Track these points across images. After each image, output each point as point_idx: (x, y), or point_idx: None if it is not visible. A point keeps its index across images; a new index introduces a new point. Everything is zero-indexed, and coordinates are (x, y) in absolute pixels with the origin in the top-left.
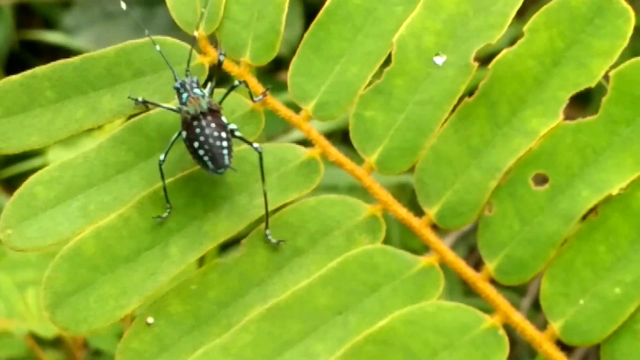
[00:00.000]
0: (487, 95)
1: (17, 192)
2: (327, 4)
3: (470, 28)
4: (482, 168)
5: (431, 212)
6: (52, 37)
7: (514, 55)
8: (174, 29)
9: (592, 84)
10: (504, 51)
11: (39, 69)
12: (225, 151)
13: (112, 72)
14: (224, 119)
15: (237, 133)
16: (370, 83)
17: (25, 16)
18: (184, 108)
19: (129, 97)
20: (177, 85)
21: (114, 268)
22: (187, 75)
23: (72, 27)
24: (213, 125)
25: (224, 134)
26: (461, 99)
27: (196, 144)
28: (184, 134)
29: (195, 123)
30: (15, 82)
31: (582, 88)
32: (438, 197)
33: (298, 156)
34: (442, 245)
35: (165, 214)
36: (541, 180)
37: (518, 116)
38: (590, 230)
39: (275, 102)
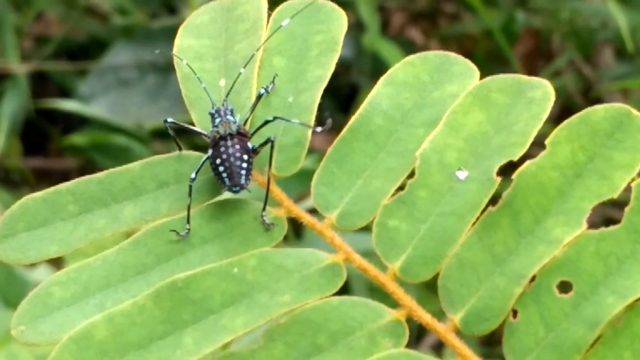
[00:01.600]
0: (510, 205)
1: (33, 292)
2: (350, 122)
3: (491, 146)
4: (506, 275)
5: (455, 318)
6: (68, 105)
7: (536, 167)
8: None
9: (615, 195)
10: (527, 162)
11: (63, 186)
12: (243, 172)
13: (136, 184)
14: (249, 144)
15: (257, 148)
16: (393, 194)
17: (41, 84)
18: (215, 129)
19: (164, 121)
20: (212, 111)
21: (124, 354)
22: (223, 104)
23: (87, 95)
24: (237, 147)
25: (245, 157)
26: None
27: (218, 161)
28: (210, 151)
29: (221, 143)
30: (37, 198)
31: (604, 199)
32: (462, 303)
33: (321, 260)
34: (467, 351)
35: (183, 233)
36: (566, 287)
37: (541, 225)
38: (615, 336)
39: (298, 210)
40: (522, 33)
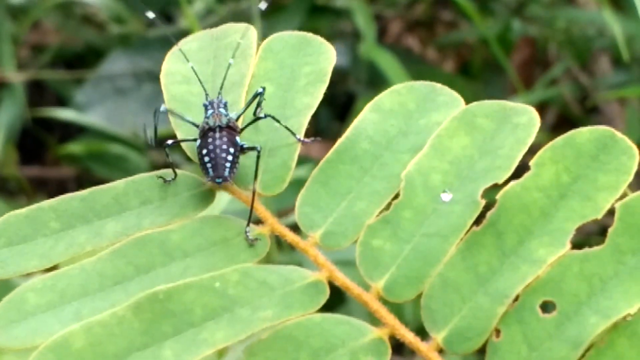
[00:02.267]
0: (494, 225)
1: (7, 298)
2: (336, 145)
3: (476, 169)
4: (489, 295)
5: (438, 337)
6: (64, 114)
7: (521, 188)
8: None
9: (599, 216)
10: (512, 183)
11: (46, 203)
12: (227, 164)
13: (120, 201)
14: (238, 138)
15: (245, 146)
16: (378, 214)
17: (37, 92)
18: (205, 120)
19: (155, 110)
20: (206, 102)
21: None
22: (217, 97)
23: (83, 104)
24: (225, 139)
25: (232, 150)
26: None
27: (204, 151)
28: (197, 142)
29: (210, 134)
30: (20, 215)
31: (588, 220)
32: (445, 322)
33: (304, 277)
34: None
35: (169, 178)
36: (549, 307)
37: (525, 246)
38: (598, 356)
39: (282, 228)
40: (518, 41)
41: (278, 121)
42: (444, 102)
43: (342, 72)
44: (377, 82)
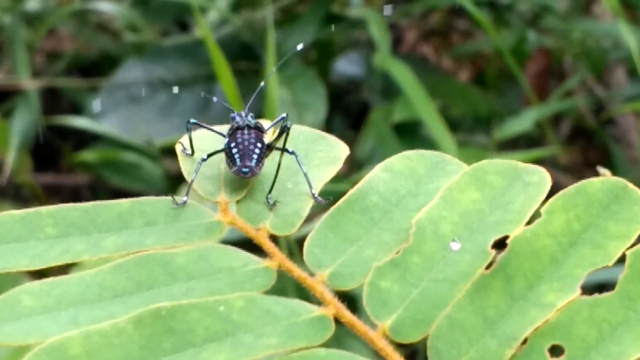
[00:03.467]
0: (504, 269)
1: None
2: (348, 194)
3: (486, 222)
4: (497, 337)
5: None
6: (79, 122)
7: (531, 234)
8: (198, 113)
9: (610, 264)
10: (523, 228)
11: (44, 208)
12: (255, 155)
13: (123, 218)
14: (265, 139)
15: (272, 144)
16: None
17: (53, 99)
18: (234, 122)
19: (187, 122)
20: (234, 114)
21: None
22: (244, 110)
23: (98, 112)
24: (253, 136)
25: (259, 144)
26: None
27: (233, 144)
28: (226, 140)
29: (239, 132)
30: (16, 216)
31: (599, 267)
32: None
33: (310, 311)
34: None
35: (180, 202)
36: (558, 351)
37: (534, 290)
38: None
39: (289, 263)
40: (533, 53)
41: (300, 164)
42: (453, 171)
43: (356, 81)
44: (391, 91)
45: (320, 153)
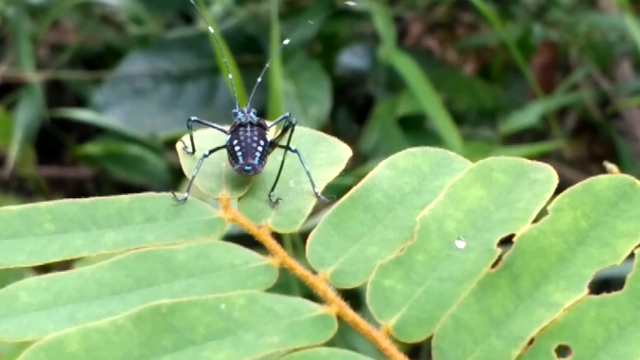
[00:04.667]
0: (510, 268)
1: None
2: (351, 191)
3: (492, 220)
4: (503, 337)
5: None
6: (82, 114)
7: (538, 232)
8: (202, 106)
9: (618, 262)
10: (529, 226)
11: (43, 204)
12: (257, 153)
13: (123, 214)
14: (268, 137)
15: (275, 140)
16: None
17: (56, 92)
18: (236, 119)
19: (188, 120)
20: (236, 110)
21: None
22: (247, 106)
23: (102, 104)
24: (256, 133)
25: (262, 142)
26: None
27: (235, 142)
28: (228, 137)
29: (241, 129)
30: (13, 211)
31: (606, 266)
32: None
33: (312, 310)
34: None
35: (181, 198)
36: (565, 351)
37: (541, 290)
38: None
39: (292, 261)
40: (539, 46)
41: (303, 163)
42: (458, 169)
43: (361, 74)
44: (396, 85)
45: (323, 154)
